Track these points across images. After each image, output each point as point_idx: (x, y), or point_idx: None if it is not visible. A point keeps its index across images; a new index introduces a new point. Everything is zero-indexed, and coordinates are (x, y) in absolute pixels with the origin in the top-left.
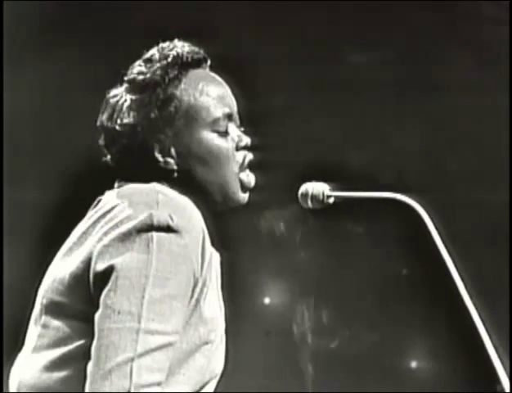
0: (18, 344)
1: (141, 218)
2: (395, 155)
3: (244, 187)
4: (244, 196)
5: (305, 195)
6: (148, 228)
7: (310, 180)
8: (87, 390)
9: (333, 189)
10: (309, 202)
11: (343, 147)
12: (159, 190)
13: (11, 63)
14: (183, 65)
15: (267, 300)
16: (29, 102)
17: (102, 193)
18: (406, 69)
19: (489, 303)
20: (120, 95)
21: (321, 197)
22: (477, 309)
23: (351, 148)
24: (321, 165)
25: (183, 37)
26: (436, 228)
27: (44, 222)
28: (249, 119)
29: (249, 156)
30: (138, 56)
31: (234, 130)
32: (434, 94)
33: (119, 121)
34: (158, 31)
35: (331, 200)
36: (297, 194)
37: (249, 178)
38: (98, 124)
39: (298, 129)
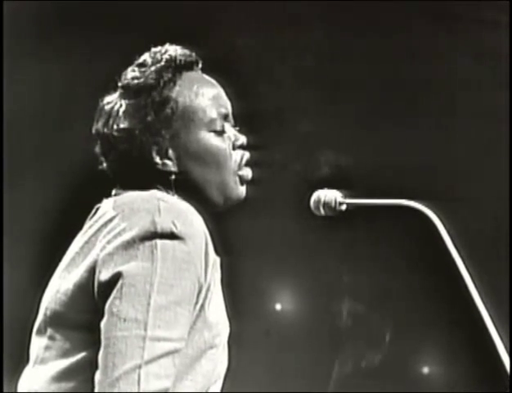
0: (18, 348)
1: (144, 225)
2: (395, 156)
3: (242, 182)
4: (242, 191)
5: (317, 202)
6: (152, 235)
7: (314, 183)
8: None
9: (345, 196)
10: (321, 209)
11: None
12: (160, 197)
13: (11, 62)
14: (177, 67)
15: (277, 306)
16: (29, 102)
17: (104, 194)
18: (406, 69)
19: (501, 309)
20: (115, 101)
21: (333, 204)
22: (490, 315)
23: (350, 151)
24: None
25: (182, 35)
26: (450, 236)
27: (45, 224)
28: (246, 119)
29: (246, 155)
30: (139, 55)
31: (230, 129)
32: (434, 94)
33: (115, 127)
34: (157, 29)
35: (343, 207)
36: (308, 201)
37: (247, 172)
38: (94, 131)
39: (297, 129)
